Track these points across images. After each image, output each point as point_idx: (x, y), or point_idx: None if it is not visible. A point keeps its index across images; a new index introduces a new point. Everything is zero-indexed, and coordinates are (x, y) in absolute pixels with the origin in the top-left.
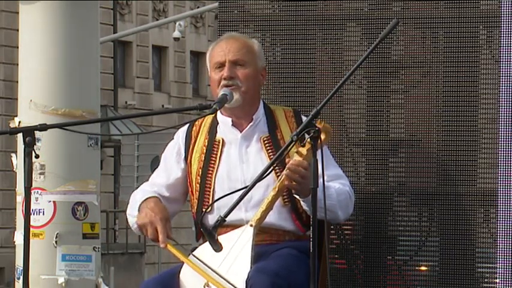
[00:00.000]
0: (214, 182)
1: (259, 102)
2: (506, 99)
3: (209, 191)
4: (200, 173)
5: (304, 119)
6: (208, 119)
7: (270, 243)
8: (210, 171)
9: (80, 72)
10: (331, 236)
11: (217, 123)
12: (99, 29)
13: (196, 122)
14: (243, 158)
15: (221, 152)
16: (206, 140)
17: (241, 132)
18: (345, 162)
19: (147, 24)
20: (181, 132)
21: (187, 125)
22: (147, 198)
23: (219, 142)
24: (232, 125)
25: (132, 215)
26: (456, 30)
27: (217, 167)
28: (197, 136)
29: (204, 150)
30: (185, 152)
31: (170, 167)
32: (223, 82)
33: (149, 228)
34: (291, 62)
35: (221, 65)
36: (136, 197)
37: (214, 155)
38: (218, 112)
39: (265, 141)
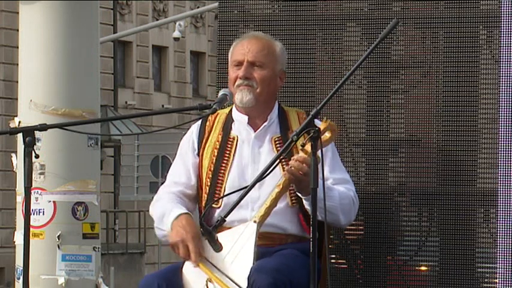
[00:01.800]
0: (226, 179)
1: (275, 103)
2: (506, 99)
3: (220, 188)
4: (212, 168)
5: (316, 122)
6: (223, 114)
7: (273, 246)
8: (223, 168)
9: (80, 72)
10: (331, 235)
11: (232, 120)
12: (99, 29)
13: (210, 117)
14: (255, 158)
15: (235, 149)
16: (220, 136)
17: (255, 131)
18: (345, 162)
19: (147, 24)
20: (195, 127)
21: (201, 120)
22: (178, 215)
23: (233, 139)
24: (248, 123)
25: (161, 229)
26: (456, 30)
27: (231, 165)
28: (210, 131)
29: (218, 146)
30: (198, 146)
31: (189, 165)
32: (238, 81)
33: (181, 247)
34: (291, 62)
35: (239, 64)
36: (166, 209)
37: (228, 152)
38: (233, 109)
39: (276, 142)
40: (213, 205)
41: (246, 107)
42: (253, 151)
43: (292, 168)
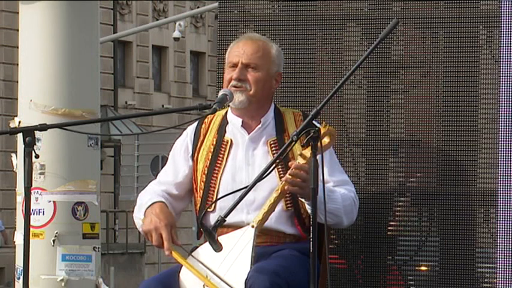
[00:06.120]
0: (219, 183)
1: (270, 105)
2: (506, 99)
3: (213, 191)
4: (206, 171)
5: (313, 123)
6: (218, 117)
7: (271, 245)
8: (216, 171)
9: (80, 72)
10: (331, 235)
11: (227, 122)
12: (99, 29)
13: (206, 120)
14: (249, 160)
15: (228, 152)
16: (215, 139)
17: (249, 134)
18: (345, 162)
19: (147, 24)
20: (190, 130)
21: (196, 122)
22: (153, 203)
23: (227, 142)
24: (242, 126)
25: (139, 218)
26: (456, 30)
27: (224, 168)
28: (206, 134)
29: (212, 149)
30: (192, 149)
31: (178, 165)
32: (232, 83)
33: (154, 235)
34: (291, 62)
35: (234, 66)
36: (144, 199)
37: (221, 155)
38: (229, 111)
39: (272, 145)
40: (207, 210)
41: (239, 108)
42: (247, 154)
43: (291, 177)
